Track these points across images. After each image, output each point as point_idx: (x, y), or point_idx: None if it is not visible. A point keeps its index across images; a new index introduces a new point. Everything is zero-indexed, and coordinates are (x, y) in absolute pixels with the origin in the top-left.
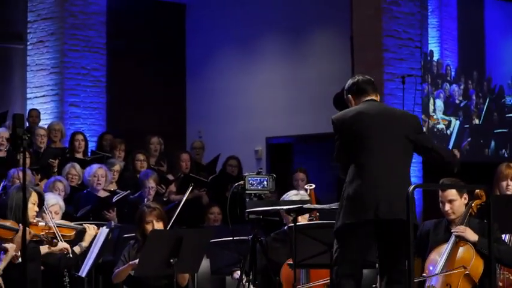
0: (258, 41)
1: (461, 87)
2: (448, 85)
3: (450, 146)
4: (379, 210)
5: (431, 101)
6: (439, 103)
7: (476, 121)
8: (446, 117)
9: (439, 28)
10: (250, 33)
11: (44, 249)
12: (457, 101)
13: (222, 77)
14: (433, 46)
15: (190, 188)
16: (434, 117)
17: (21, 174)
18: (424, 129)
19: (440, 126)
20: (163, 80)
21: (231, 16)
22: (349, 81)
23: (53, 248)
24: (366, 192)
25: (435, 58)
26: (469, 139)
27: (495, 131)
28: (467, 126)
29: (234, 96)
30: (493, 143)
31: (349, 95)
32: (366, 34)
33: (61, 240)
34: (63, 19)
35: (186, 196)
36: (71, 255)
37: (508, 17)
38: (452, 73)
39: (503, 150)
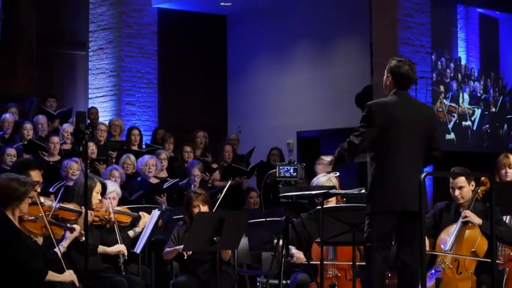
0: (290, 47)
1: (482, 84)
2: (472, 82)
3: (474, 128)
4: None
5: (461, 94)
6: (466, 96)
7: (493, 109)
8: (471, 107)
9: (466, 40)
10: (283, 41)
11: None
12: (479, 94)
13: (259, 78)
14: (461, 53)
15: (230, 181)
16: (463, 106)
17: (73, 164)
18: (456, 115)
19: (466, 113)
20: (207, 82)
21: (267, 26)
22: (399, 65)
23: (109, 249)
24: (397, 186)
25: (463, 63)
26: (488, 123)
27: (507, 116)
28: (487, 113)
29: (269, 96)
30: (505, 126)
31: (390, 76)
32: (384, 41)
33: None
34: (120, 29)
35: (228, 185)
36: (126, 258)
37: None
38: (475, 73)
39: None
